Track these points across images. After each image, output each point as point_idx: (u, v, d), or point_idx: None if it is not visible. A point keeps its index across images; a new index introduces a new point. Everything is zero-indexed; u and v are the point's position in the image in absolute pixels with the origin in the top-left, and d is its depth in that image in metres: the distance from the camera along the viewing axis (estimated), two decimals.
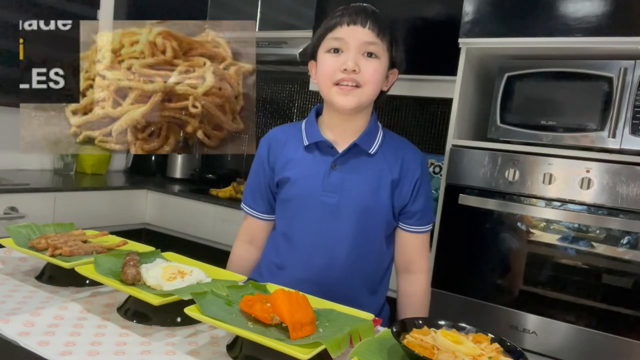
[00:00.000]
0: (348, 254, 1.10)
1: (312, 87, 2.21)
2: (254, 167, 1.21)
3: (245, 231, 1.25)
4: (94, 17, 2.63)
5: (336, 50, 1.05)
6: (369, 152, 1.11)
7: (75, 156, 2.48)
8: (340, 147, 1.11)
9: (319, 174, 1.10)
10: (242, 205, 1.24)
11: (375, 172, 1.10)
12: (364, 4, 1.09)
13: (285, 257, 1.14)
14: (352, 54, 1.03)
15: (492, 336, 0.76)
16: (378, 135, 1.13)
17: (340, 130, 1.12)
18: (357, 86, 1.04)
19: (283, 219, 1.17)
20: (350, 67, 1.02)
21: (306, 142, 1.12)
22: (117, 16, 2.73)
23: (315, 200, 1.10)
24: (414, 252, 1.17)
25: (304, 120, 1.17)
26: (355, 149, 1.10)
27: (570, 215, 1.45)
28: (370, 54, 1.05)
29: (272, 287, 0.91)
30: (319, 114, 1.17)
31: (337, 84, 1.05)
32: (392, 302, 1.23)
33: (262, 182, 1.19)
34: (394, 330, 0.74)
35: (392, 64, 1.11)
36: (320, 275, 1.10)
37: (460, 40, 1.65)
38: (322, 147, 1.12)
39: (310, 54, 1.14)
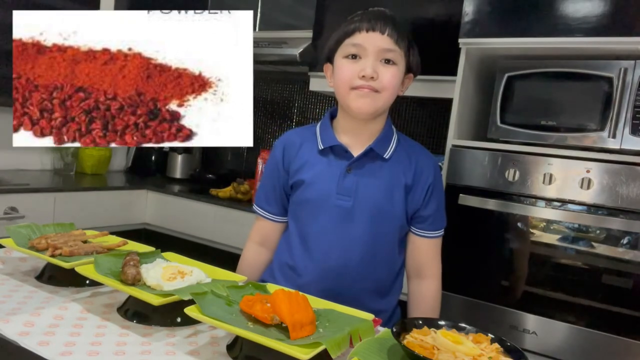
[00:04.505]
0: (361, 258, 1.10)
1: (312, 87, 2.20)
2: (268, 169, 1.21)
3: (257, 233, 1.25)
4: None
5: (354, 56, 1.06)
6: (384, 156, 1.11)
7: (75, 156, 2.48)
8: (355, 151, 1.11)
9: (334, 178, 1.10)
10: (255, 207, 1.24)
11: (389, 177, 1.10)
12: (382, 9, 1.09)
13: (298, 259, 1.14)
14: (370, 61, 1.04)
15: (492, 336, 0.76)
16: (393, 140, 1.14)
17: (356, 134, 1.12)
18: (376, 91, 1.05)
19: (296, 221, 1.16)
20: (369, 74, 1.03)
21: (321, 146, 1.12)
22: None
23: (329, 203, 1.10)
24: (426, 257, 1.17)
25: (319, 124, 1.17)
26: (371, 154, 1.10)
27: (570, 215, 1.45)
28: (388, 61, 1.05)
29: (272, 287, 0.91)
30: (333, 117, 1.17)
31: (354, 88, 1.05)
32: (405, 306, 1.22)
33: (277, 184, 1.19)
34: (394, 330, 0.74)
35: (409, 69, 1.11)
36: (333, 278, 1.10)
37: (460, 40, 1.65)
38: (337, 151, 1.12)
39: (327, 57, 1.14)
